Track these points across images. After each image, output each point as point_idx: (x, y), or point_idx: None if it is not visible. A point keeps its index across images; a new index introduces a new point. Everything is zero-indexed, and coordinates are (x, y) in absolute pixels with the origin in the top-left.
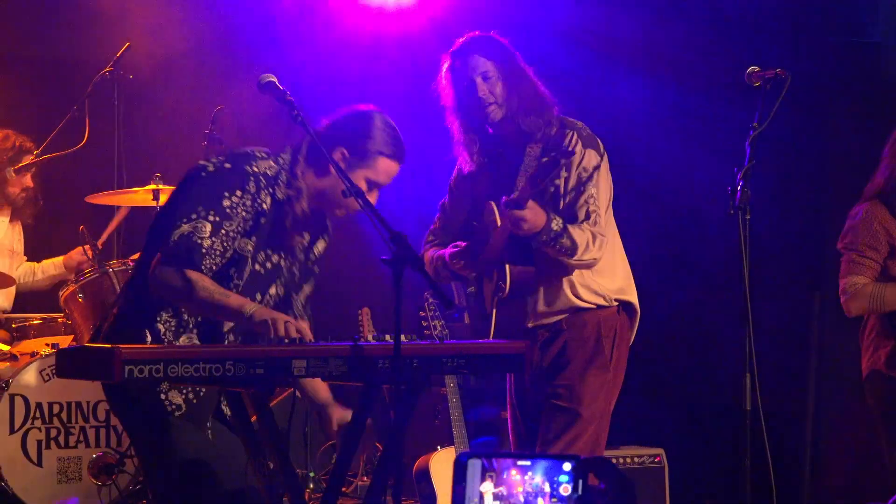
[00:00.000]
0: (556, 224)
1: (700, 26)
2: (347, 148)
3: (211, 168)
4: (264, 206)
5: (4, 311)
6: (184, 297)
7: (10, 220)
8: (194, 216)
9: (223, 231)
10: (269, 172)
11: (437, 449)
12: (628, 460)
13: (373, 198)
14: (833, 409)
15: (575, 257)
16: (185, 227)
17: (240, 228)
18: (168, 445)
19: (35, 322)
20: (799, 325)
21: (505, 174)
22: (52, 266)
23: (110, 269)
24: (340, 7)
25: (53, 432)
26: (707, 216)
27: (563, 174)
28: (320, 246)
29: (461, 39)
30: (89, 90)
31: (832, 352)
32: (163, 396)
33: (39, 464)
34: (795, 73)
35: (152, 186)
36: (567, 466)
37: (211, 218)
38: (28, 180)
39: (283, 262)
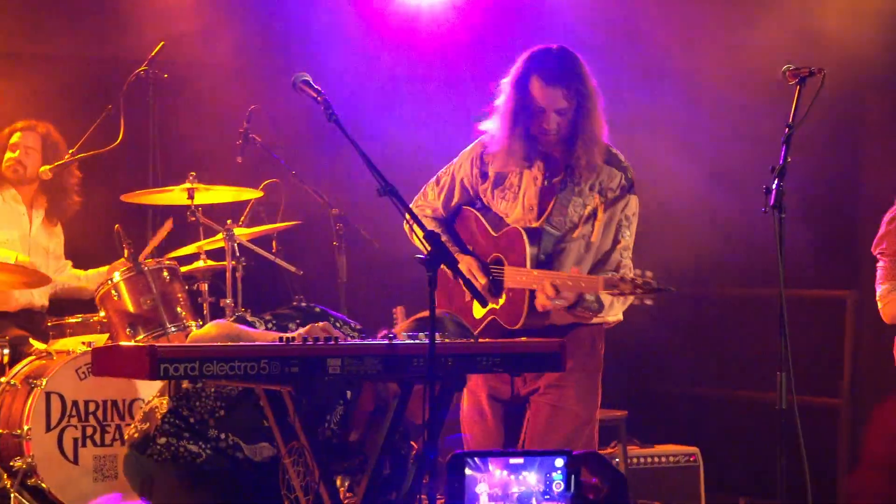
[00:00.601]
0: (591, 295)
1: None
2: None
3: None
4: None
5: (42, 309)
6: None
7: (46, 221)
8: None
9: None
10: None
11: None
12: (663, 459)
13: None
14: (868, 408)
15: (599, 315)
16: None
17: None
18: None
19: (71, 321)
20: (834, 324)
21: (537, 195)
22: (97, 276)
23: (146, 269)
24: (376, 9)
25: (89, 430)
26: (742, 214)
27: (601, 215)
28: None
29: (543, 52)
30: (124, 89)
31: (867, 350)
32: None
33: (75, 462)
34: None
35: (187, 185)
36: (559, 463)
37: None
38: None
39: None
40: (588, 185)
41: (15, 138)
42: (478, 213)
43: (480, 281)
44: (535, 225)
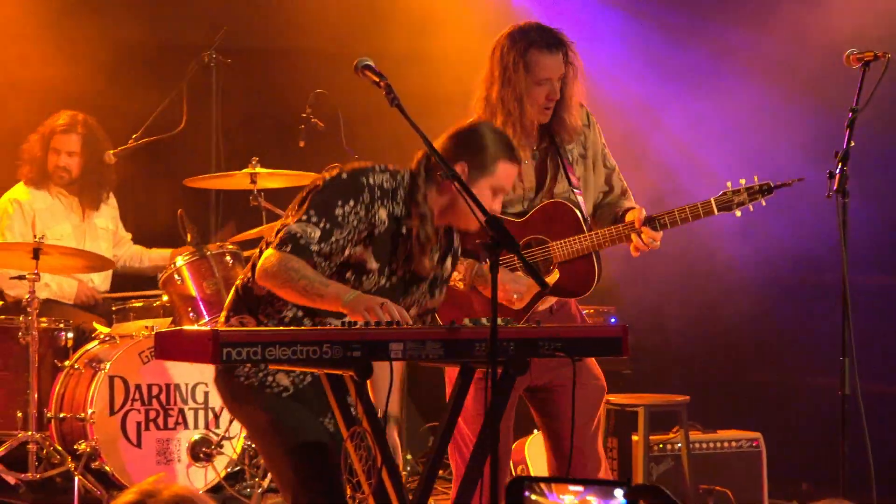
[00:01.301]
0: None
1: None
2: (467, 162)
3: (327, 179)
4: (378, 217)
5: (102, 293)
6: (283, 283)
7: (96, 200)
8: (304, 218)
9: (333, 238)
10: (385, 185)
11: (533, 432)
12: (725, 444)
13: (497, 204)
14: None
15: None
16: (294, 227)
17: (351, 237)
18: (273, 419)
19: (134, 304)
20: None
21: (534, 173)
22: (160, 258)
23: (208, 253)
24: None
25: (152, 414)
26: (801, 199)
27: (589, 160)
28: (448, 265)
29: (535, 27)
30: (188, 74)
31: None
32: (270, 379)
33: (139, 445)
34: None
35: (249, 170)
36: (619, 493)
37: (322, 225)
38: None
39: (404, 281)
40: (576, 146)
41: (57, 143)
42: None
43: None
44: (544, 200)
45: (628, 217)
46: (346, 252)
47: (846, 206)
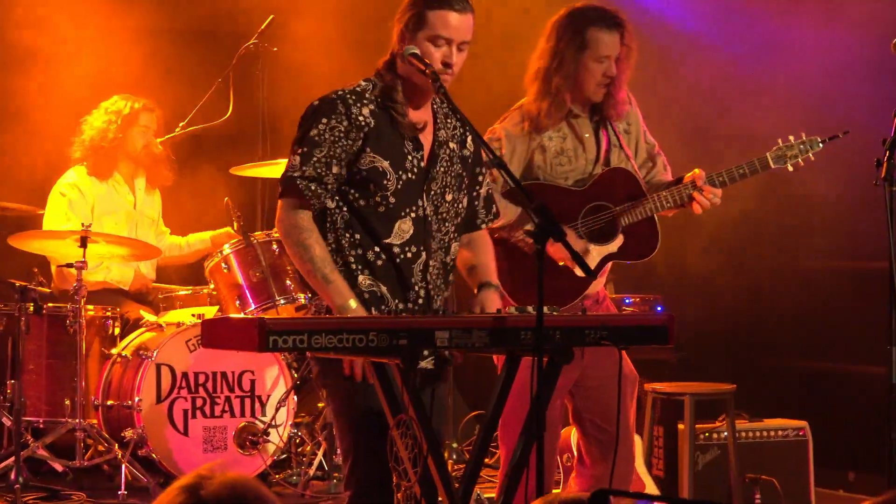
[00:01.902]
0: None
1: None
2: (403, 24)
3: (303, 113)
4: (362, 117)
5: (150, 281)
6: (292, 257)
7: (149, 187)
8: (291, 155)
9: (314, 159)
10: (357, 90)
11: None
12: (772, 433)
13: (448, 54)
14: None
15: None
16: (286, 171)
17: (334, 152)
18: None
19: (181, 293)
20: None
21: (595, 145)
22: (198, 241)
23: (255, 241)
24: None
25: (199, 402)
26: (850, 187)
27: (641, 139)
28: (468, 142)
29: (594, 6)
30: (234, 62)
31: None
32: None
33: (185, 433)
34: None
35: None
36: None
37: (301, 150)
38: (149, 137)
39: (423, 165)
40: (621, 123)
41: (144, 120)
42: (545, 183)
43: (578, 245)
44: (604, 168)
45: (686, 178)
46: (336, 169)
47: (893, 194)
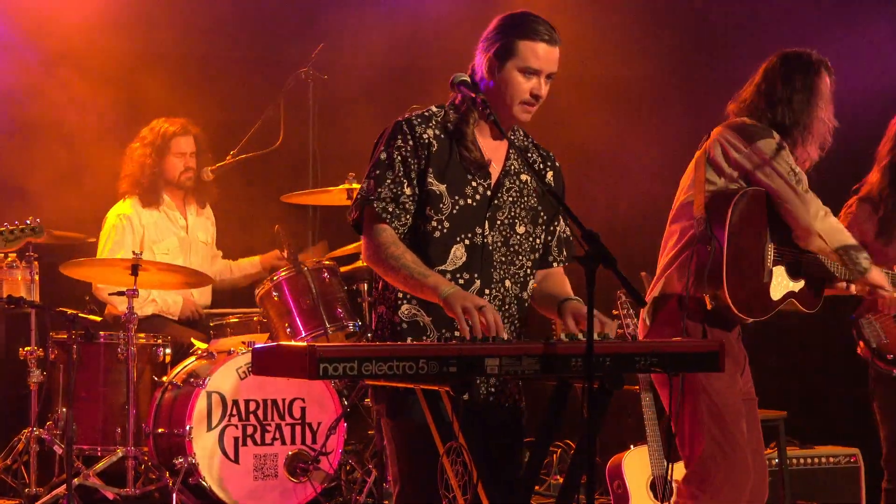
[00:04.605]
0: None
1: None
2: (492, 53)
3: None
4: (426, 136)
5: (204, 308)
6: (385, 271)
7: (199, 210)
8: (365, 180)
9: (387, 181)
10: (425, 114)
11: (629, 447)
12: (823, 460)
13: (537, 85)
14: None
15: None
16: (359, 191)
17: (404, 172)
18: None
19: (231, 320)
20: None
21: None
22: (249, 265)
23: (305, 268)
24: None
25: (250, 429)
26: None
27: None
28: (549, 176)
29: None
30: (285, 90)
31: None
32: None
33: (236, 460)
34: None
35: (346, 186)
36: None
37: (374, 174)
38: (188, 159)
39: (489, 193)
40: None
41: (179, 146)
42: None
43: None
44: None
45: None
46: (409, 190)
47: None
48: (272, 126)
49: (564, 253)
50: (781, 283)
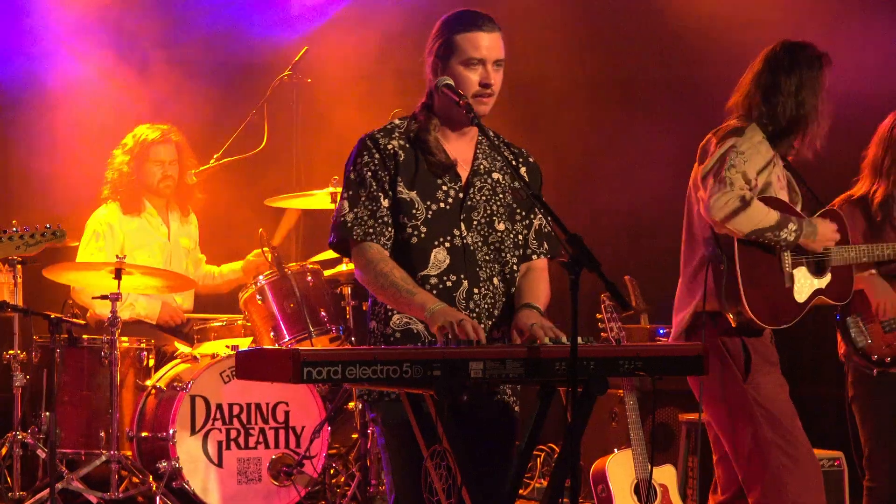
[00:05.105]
0: None
1: None
2: (434, 55)
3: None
4: (391, 147)
5: (187, 313)
6: (376, 290)
7: (182, 216)
8: (339, 202)
9: (362, 199)
10: (387, 127)
11: (613, 451)
12: None
13: (485, 74)
14: None
15: None
16: (335, 213)
17: (375, 188)
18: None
19: (215, 324)
20: None
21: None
22: (230, 271)
23: (289, 272)
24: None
25: (233, 433)
26: None
27: None
28: (524, 171)
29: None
30: (268, 94)
31: None
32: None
33: (220, 464)
34: None
35: (330, 189)
36: None
37: (347, 194)
38: (168, 167)
39: (461, 195)
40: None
41: (157, 154)
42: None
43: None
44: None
45: None
46: (386, 202)
47: None
48: (256, 130)
49: (545, 245)
50: (806, 284)
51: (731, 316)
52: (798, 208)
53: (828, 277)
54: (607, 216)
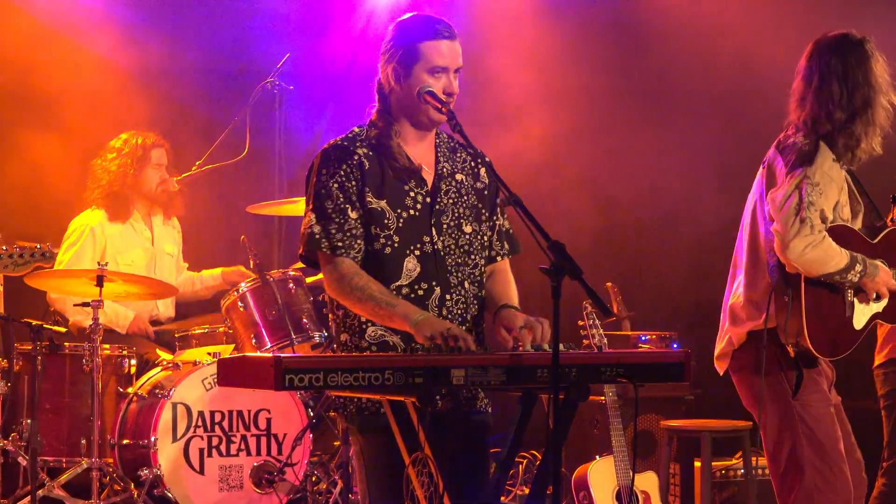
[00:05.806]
0: None
1: None
2: (395, 62)
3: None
4: (357, 156)
5: (167, 319)
6: (353, 304)
7: (165, 220)
8: (305, 214)
9: (329, 210)
10: (349, 135)
11: (595, 458)
12: None
13: (448, 83)
14: None
15: None
16: (302, 227)
17: (343, 199)
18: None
19: (197, 331)
20: None
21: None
22: (210, 278)
23: (271, 279)
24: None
25: (215, 440)
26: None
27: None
28: (482, 172)
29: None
30: (251, 101)
31: None
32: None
33: (201, 472)
34: None
35: None
36: None
37: (312, 206)
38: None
39: (428, 200)
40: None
41: (156, 158)
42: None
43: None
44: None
45: None
46: (354, 214)
47: None
48: (238, 136)
49: (506, 246)
50: (864, 310)
51: (791, 347)
52: (860, 218)
53: (885, 301)
54: (588, 221)
